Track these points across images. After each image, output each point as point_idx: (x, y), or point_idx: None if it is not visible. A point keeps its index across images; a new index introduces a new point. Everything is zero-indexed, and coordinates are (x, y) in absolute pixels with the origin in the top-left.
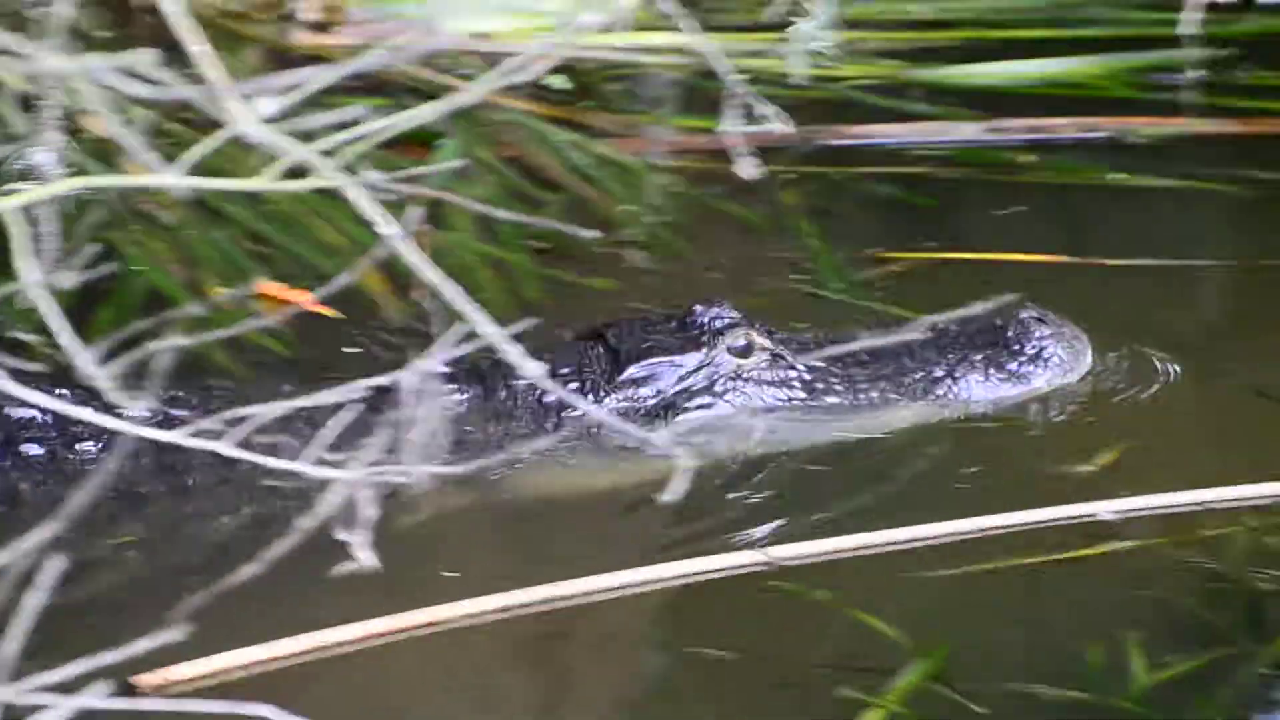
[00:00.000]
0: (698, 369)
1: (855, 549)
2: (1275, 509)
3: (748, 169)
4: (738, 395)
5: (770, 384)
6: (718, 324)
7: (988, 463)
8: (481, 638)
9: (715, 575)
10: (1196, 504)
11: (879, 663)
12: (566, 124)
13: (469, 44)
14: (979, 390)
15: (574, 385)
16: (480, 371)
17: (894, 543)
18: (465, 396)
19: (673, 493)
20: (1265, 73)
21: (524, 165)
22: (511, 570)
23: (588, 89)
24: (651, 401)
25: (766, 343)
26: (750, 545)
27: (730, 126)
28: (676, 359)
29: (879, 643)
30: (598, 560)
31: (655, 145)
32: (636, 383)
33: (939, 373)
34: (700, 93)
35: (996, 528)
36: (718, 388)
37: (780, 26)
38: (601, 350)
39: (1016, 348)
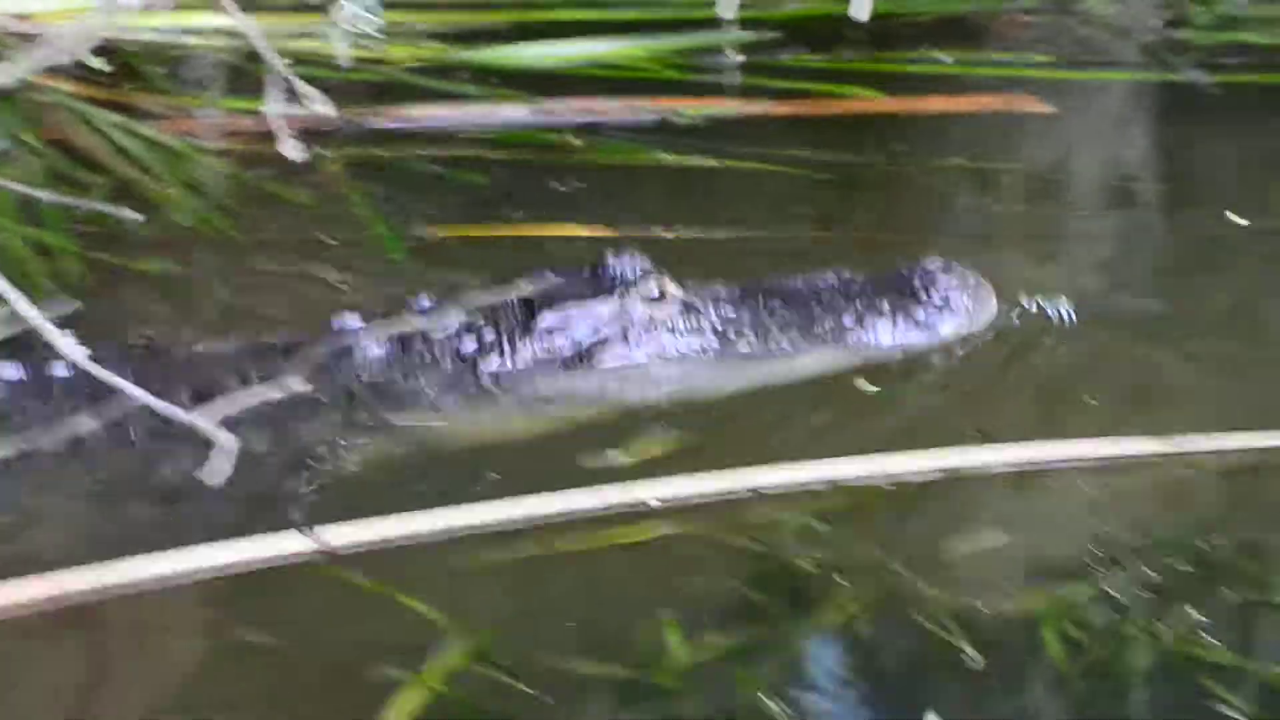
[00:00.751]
0: (611, 317)
1: (408, 535)
2: (823, 493)
3: (293, 151)
4: (651, 343)
5: (683, 332)
6: (630, 273)
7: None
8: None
9: (266, 564)
10: (747, 489)
11: (426, 646)
12: (113, 106)
13: (8, 25)
14: (886, 336)
15: (490, 335)
16: (397, 324)
17: (445, 529)
18: (384, 350)
19: (213, 475)
20: (806, 55)
21: (68, 148)
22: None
23: (134, 71)
24: (567, 350)
25: (678, 291)
26: (300, 528)
27: (273, 108)
28: (590, 307)
29: (428, 628)
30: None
31: (203, 127)
32: (551, 332)
33: (848, 321)
34: (248, 75)
35: (544, 515)
36: (631, 336)
37: (326, 8)
38: (515, 300)
39: (924, 296)
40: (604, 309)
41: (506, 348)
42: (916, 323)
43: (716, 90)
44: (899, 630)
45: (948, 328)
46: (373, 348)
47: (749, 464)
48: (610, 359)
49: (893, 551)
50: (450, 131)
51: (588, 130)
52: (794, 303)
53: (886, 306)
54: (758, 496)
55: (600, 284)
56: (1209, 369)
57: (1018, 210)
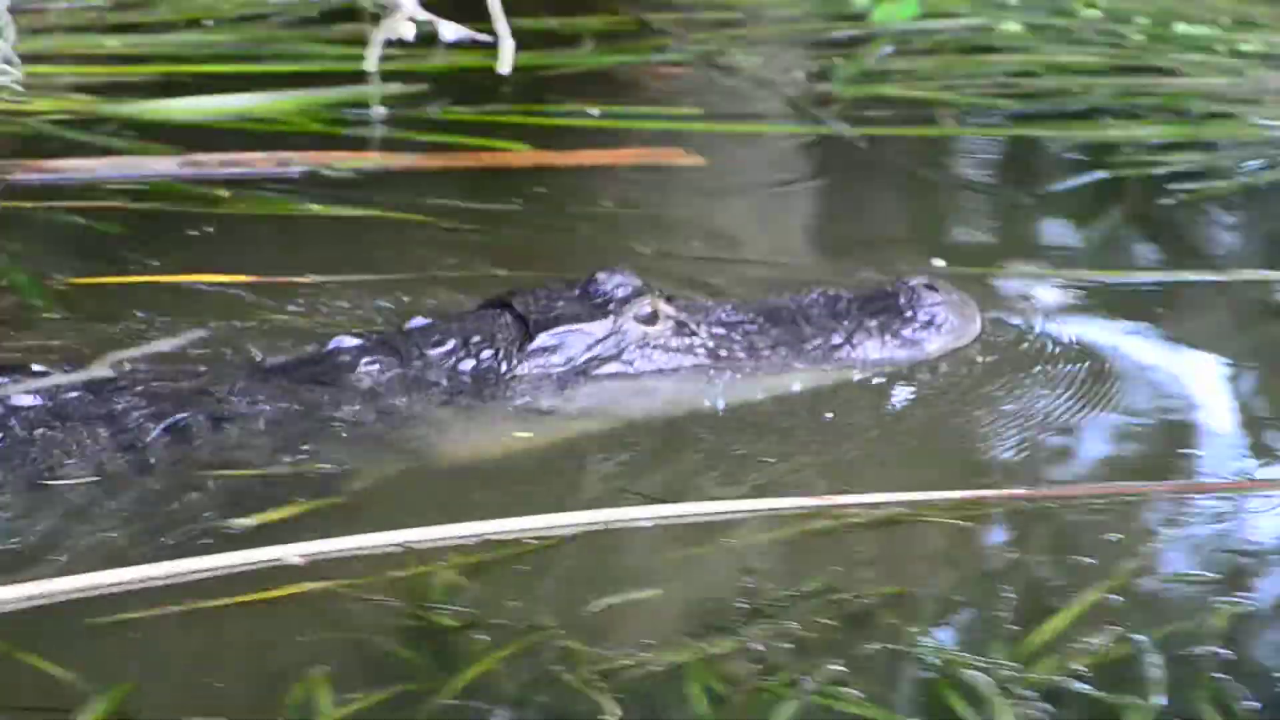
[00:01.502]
0: (606, 337)
1: (44, 594)
2: (469, 549)
3: None
4: (646, 361)
5: (676, 350)
6: (621, 292)
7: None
8: None
9: None
10: (396, 545)
11: (61, 708)
12: None
13: None
14: (874, 354)
15: (488, 352)
16: (393, 343)
17: (87, 588)
18: (382, 368)
19: None
20: (457, 108)
21: None
22: None
23: None
24: (562, 369)
25: (671, 310)
26: None
27: None
28: (585, 327)
29: (60, 689)
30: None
31: None
32: (547, 350)
33: (837, 339)
34: None
35: (188, 572)
36: (626, 355)
37: None
38: (510, 319)
39: (910, 314)
40: (597, 328)
41: (504, 366)
42: (903, 340)
43: (366, 144)
44: (542, 686)
45: (934, 344)
46: (373, 367)
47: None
48: (605, 377)
49: (541, 607)
50: (95, 184)
51: (236, 183)
52: (783, 321)
53: (874, 325)
54: (408, 551)
55: (591, 302)
56: (853, 429)
57: (660, 257)
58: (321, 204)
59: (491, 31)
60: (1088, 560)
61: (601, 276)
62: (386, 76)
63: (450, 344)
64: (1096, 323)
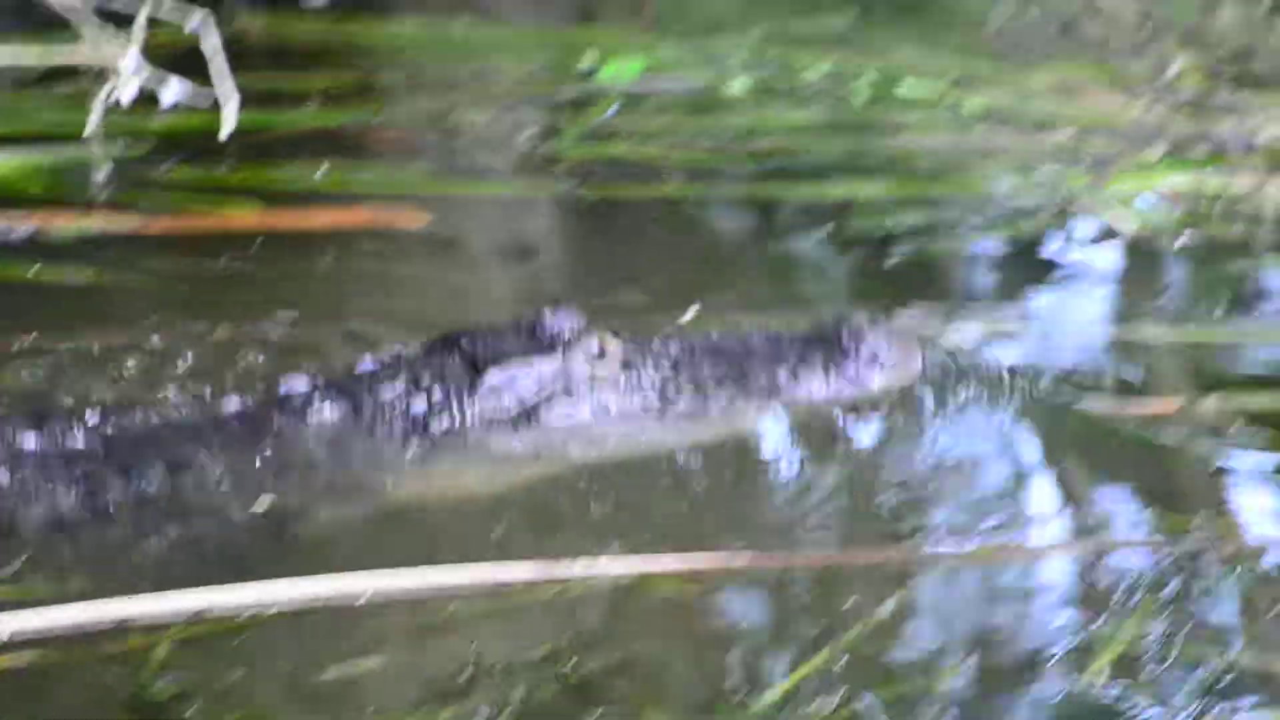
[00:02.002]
0: (554, 375)
1: None
2: (195, 623)
3: None
4: (595, 400)
5: (624, 389)
6: (568, 330)
7: None
8: None
9: None
10: (113, 620)
11: None
12: None
13: None
14: (819, 391)
15: (438, 395)
16: (343, 385)
17: None
18: (336, 412)
19: None
20: (183, 167)
21: None
22: None
23: None
24: (513, 408)
25: (617, 348)
26: None
27: None
28: (534, 365)
29: None
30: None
31: None
32: (496, 390)
33: (781, 376)
34: None
35: None
36: (575, 393)
37: None
38: (457, 359)
39: (852, 351)
40: (547, 367)
41: (454, 406)
42: (847, 378)
43: (89, 205)
44: None
45: (875, 382)
46: (325, 409)
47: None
48: (555, 416)
49: (264, 679)
50: None
51: None
52: (730, 359)
53: (817, 362)
54: (124, 628)
55: (539, 341)
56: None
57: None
58: (44, 267)
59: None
60: (819, 624)
61: (548, 315)
62: (110, 136)
63: (400, 386)
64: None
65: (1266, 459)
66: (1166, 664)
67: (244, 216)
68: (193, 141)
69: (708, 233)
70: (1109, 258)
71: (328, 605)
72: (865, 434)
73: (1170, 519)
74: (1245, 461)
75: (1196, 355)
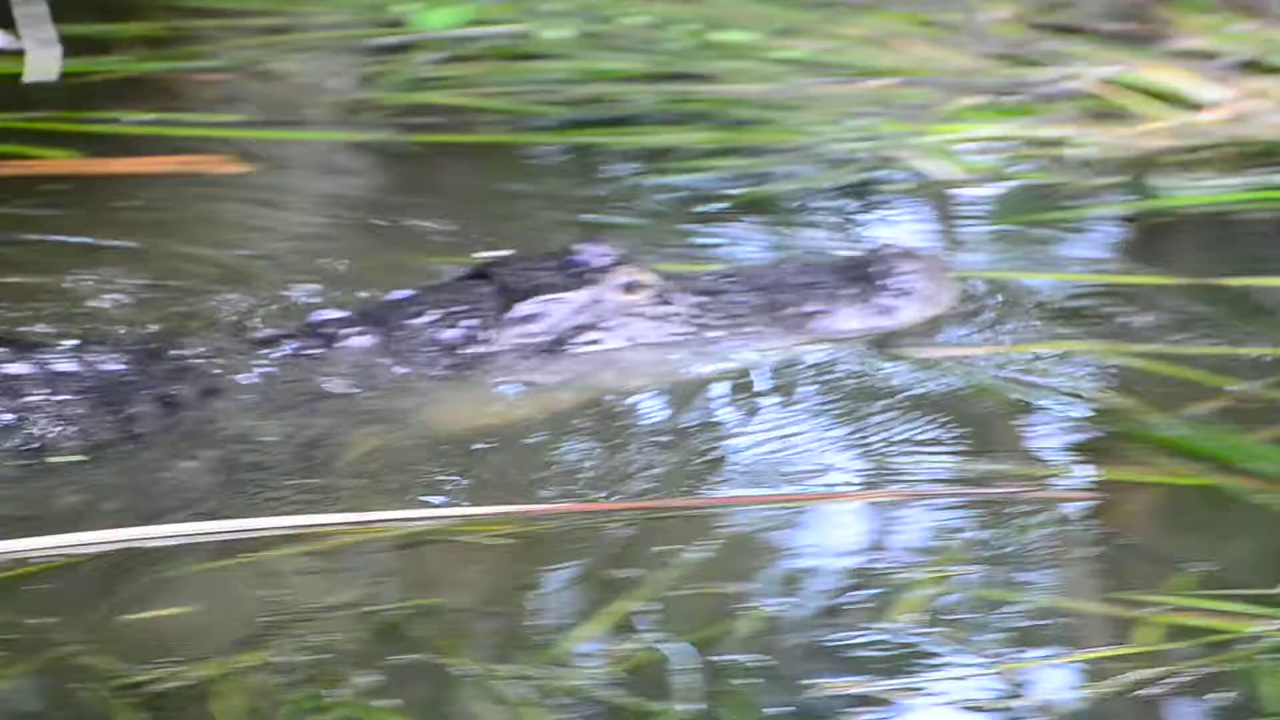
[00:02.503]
0: (586, 305)
1: None
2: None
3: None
4: (626, 330)
5: (655, 319)
6: (601, 261)
7: None
8: None
9: None
10: None
11: None
12: None
13: None
14: (851, 322)
15: (470, 322)
16: (375, 314)
17: None
18: (367, 339)
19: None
20: None
21: None
22: None
23: None
24: (543, 337)
25: (650, 279)
26: None
27: None
28: (565, 296)
29: None
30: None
31: None
32: (528, 319)
33: (813, 307)
34: None
35: None
36: (606, 323)
37: None
38: (491, 288)
39: (884, 282)
40: (578, 296)
41: (485, 335)
42: (878, 308)
43: None
44: (63, 702)
45: (907, 313)
46: (355, 338)
47: None
48: (585, 345)
49: (63, 624)
50: None
51: None
52: (761, 289)
53: (850, 293)
54: None
55: (570, 272)
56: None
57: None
58: None
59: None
60: (627, 571)
61: (581, 247)
62: None
63: (432, 314)
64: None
65: (1073, 402)
66: (970, 608)
67: (53, 163)
68: (8, 88)
69: (526, 178)
70: (926, 203)
71: (139, 550)
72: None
73: (978, 463)
74: (1052, 404)
75: (1010, 298)
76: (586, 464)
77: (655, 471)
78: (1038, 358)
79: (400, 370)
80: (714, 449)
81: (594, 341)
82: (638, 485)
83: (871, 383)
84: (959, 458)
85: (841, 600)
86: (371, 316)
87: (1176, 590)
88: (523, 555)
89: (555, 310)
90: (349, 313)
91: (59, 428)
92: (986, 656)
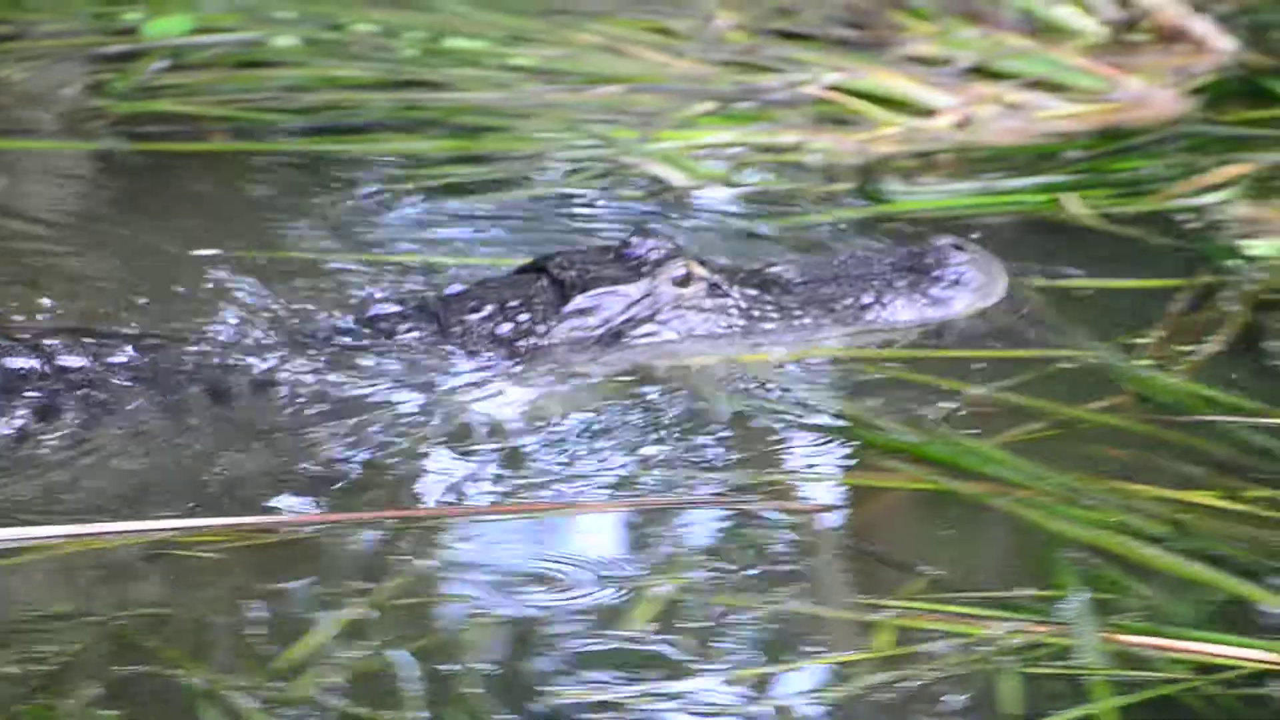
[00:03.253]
0: (641, 298)
1: None
2: None
3: None
4: (680, 322)
5: (710, 311)
6: (655, 255)
7: None
8: None
9: None
10: None
11: None
12: None
13: None
14: (904, 314)
15: (525, 315)
16: (431, 308)
17: None
18: (422, 333)
19: None
20: None
21: None
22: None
23: None
24: (599, 330)
25: (704, 272)
26: None
27: None
28: (621, 289)
29: None
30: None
31: None
32: (583, 312)
33: (867, 299)
34: None
35: None
36: (661, 316)
37: None
38: (547, 282)
39: (937, 274)
40: (633, 289)
41: (541, 328)
42: (931, 300)
43: None
44: None
45: (960, 304)
46: (412, 333)
47: None
48: (640, 338)
49: None
50: None
51: None
52: (814, 282)
53: (903, 284)
54: None
55: (626, 265)
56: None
57: None
58: None
59: None
60: (353, 582)
61: (636, 240)
62: None
63: (488, 308)
64: None
65: (826, 416)
66: (717, 614)
67: None
68: None
69: (257, 186)
70: (661, 209)
71: None
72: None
73: (721, 473)
74: (806, 417)
75: None
76: (338, 473)
77: (413, 481)
78: (781, 366)
79: (455, 364)
80: (476, 460)
81: (650, 334)
82: (382, 494)
83: (621, 393)
84: (702, 468)
85: (583, 607)
86: (426, 311)
87: (914, 594)
88: (257, 565)
89: (610, 303)
90: (402, 307)
91: None
92: (727, 663)
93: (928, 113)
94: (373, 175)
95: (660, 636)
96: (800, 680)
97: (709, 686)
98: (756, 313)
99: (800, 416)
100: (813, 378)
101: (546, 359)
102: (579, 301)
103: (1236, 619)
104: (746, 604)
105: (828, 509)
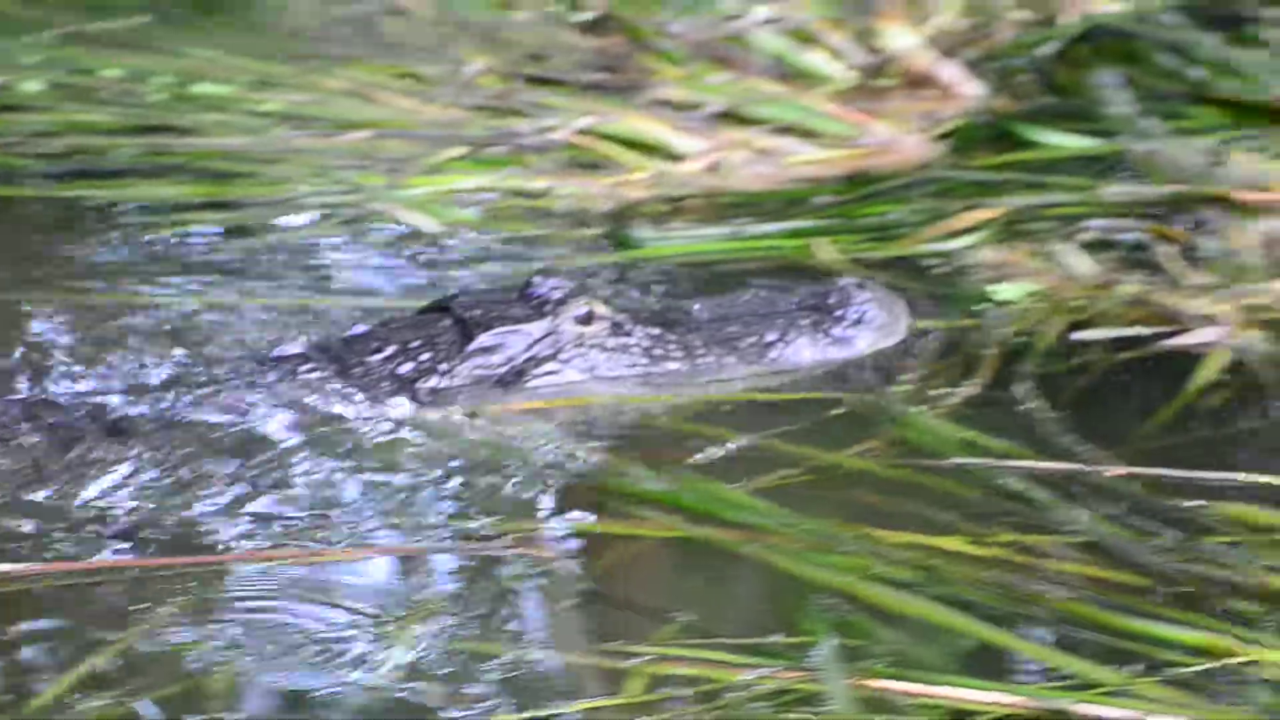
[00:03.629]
0: (543, 337)
1: None
2: None
3: None
4: (582, 361)
5: (612, 350)
6: (558, 294)
7: None
8: None
9: None
10: None
11: None
12: None
13: None
14: (807, 353)
15: (427, 355)
16: (333, 349)
17: None
18: (323, 373)
19: None
20: None
21: None
22: None
23: None
24: (501, 369)
25: (607, 311)
26: None
27: None
28: (524, 328)
29: None
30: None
31: None
32: (486, 351)
33: (770, 337)
34: None
35: None
36: (563, 355)
37: None
38: (450, 322)
39: (840, 313)
40: (535, 328)
41: (443, 367)
42: (834, 339)
43: None
44: None
45: (863, 343)
46: (313, 370)
47: None
48: (543, 376)
49: None
50: None
51: None
52: (717, 321)
53: (806, 324)
54: None
55: (529, 304)
56: None
57: None
58: None
59: None
60: (104, 630)
61: (538, 280)
62: None
63: (390, 349)
64: None
65: (585, 463)
66: (464, 662)
67: None
68: None
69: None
70: (410, 256)
71: None
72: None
73: (469, 520)
74: (566, 464)
75: None
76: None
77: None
78: (526, 412)
79: (356, 405)
80: (281, 502)
81: (552, 373)
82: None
83: (370, 440)
84: (449, 514)
85: (328, 655)
86: (328, 352)
87: (665, 640)
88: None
89: (513, 342)
90: (304, 349)
91: None
92: (476, 710)
93: (678, 158)
94: (118, 221)
95: (408, 684)
96: None
97: None
98: (659, 351)
99: (562, 463)
100: (590, 427)
101: (448, 399)
102: (482, 340)
103: (986, 663)
104: (496, 651)
105: (579, 555)
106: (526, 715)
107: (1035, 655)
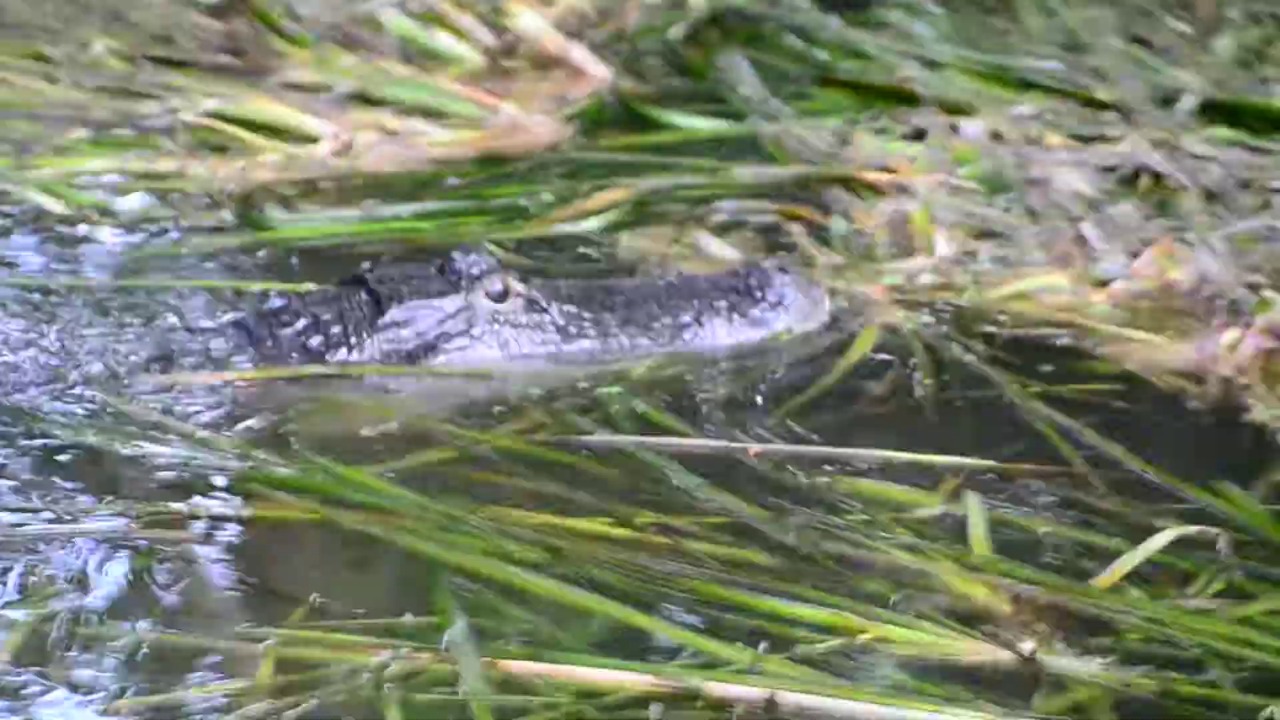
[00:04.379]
0: (456, 312)
1: None
2: None
3: None
4: (495, 338)
5: (525, 327)
6: (474, 270)
7: None
8: None
9: None
10: None
11: None
12: None
13: None
14: (723, 335)
15: (337, 329)
16: (245, 323)
17: None
18: (232, 346)
19: None
20: None
21: None
22: None
23: None
24: (412, 343)
25: (521, 288)
26: None
27: None
28: (436, 302)
29: None
30: None
31: None
32: (398, 325)
33: (685, 318)
34: None
35: None
36: (475, 331)
37: None
38: (363, 295)
39: (758, 295)
40: (448, 303)
41: (352, 341)
42: (751, 321)
43: None
44: None
45: (780, 325)
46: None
47: None
48: (454, 353)
49: None
50: None
51: None
52: (634, 301)
53: (723, 305)
54: None
55: (446, 280)
56: None
57: None
58: None
59: None
60: None
61: (457, 255)
62: None
63: (301, 322)
64: None
65: (227, 445)
66: (82, 647)
67: None
68: None
69: None
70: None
71: None
72: None
73: (95, 503)
74: (207, 444)
75: None
76: None
77: None
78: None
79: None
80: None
81: (464, 348)
82: None
83: None
84: (50, 494)
85: None
86: (240, 325)
87: (299, 624)
88: None
89: (425, 316)
90: (217, 323)
91: None
92: (103, 694)
93: (308, 140)
94: None
95: (25, 669)
96: (182, 712)
97: (81, 718)
98: (574, 329)
99: (202, 443)
100: (222, 402)
101: (356, 372)
102: (394, 314)
103: (626, 645)
104: (123, 635)
105: (215, 539)
106: (154, 699)
107: (670, 635)
